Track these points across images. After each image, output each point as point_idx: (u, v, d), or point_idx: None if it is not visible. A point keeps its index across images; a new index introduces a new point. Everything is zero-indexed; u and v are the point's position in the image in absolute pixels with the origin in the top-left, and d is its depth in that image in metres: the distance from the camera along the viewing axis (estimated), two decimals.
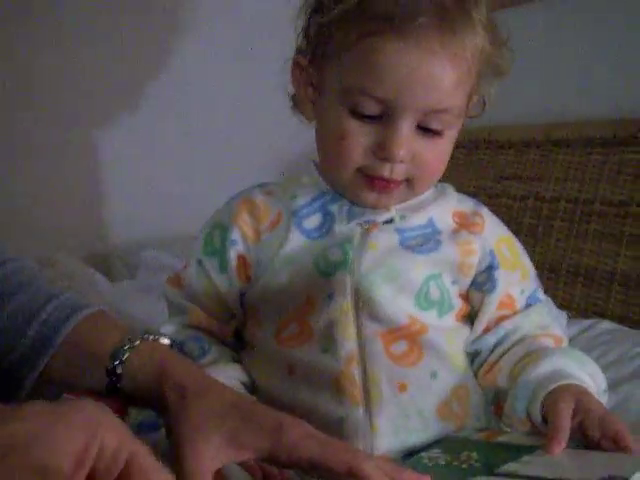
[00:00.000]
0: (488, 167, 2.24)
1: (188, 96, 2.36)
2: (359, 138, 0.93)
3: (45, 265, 1.84)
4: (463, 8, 0.90)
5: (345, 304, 0.94)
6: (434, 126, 0.93)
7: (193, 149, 2.40)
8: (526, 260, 1.07)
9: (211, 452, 0.75)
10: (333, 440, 0.77)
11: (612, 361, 1.46)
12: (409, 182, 0.96)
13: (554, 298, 1.78)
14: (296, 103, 1.04)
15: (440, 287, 0.98)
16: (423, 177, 0.97)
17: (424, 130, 0.93)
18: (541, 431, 0.89)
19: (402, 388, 0.94)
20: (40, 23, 2.10)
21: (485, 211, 1.06)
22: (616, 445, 0.82)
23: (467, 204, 1.06)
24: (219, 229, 1.03)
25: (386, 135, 0.92)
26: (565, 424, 0.84)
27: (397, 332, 0.95)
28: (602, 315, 1.81)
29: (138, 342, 0.88)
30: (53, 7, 2.12)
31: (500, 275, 1.00)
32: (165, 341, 0.92)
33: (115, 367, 0.87)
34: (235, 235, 1.01)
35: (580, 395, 0.88)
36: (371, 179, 0.95)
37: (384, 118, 0.92)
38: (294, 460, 0.75)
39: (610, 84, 2.03)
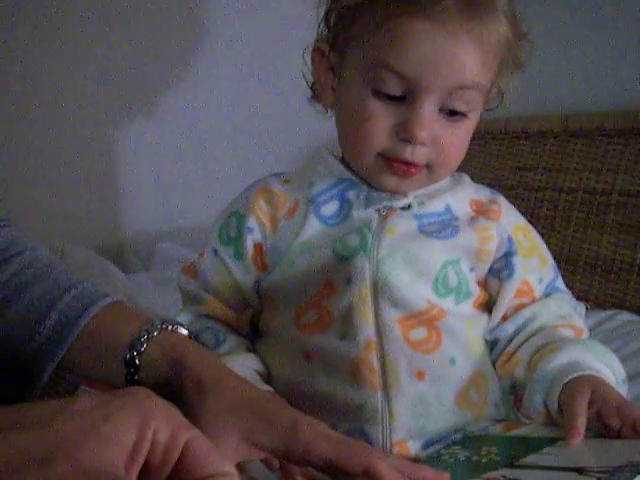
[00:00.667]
0: (505, 158, 2.22)
1: (205, 88, 2.36)
2: (382, 119, 0.93)
3: (60, 257, 1.84)
4: None
5: (364, 288, 0.93)
6: (458, 107, 0.93)
7: (209, 140, 2.41)
8: (544, 248, 1.07)
9: (228, 448, 0.75)
10: (348, 440, 0.77)
11: (631, 353, 1.45)
12: (429, 167, 0.96)
13: (572, 290, 1.76)
14: (316, 92, 1.05)
15: (458, 273, 0.97)
16: (444, 162, 0.97)
17: (447, 113, 0.93)
18: (559, 423, 0.88)
19: (420, 375, 0.93)
20: (60, 22, 2.10)
21: (502, 199, 1.05)
22: (636, 433, 0.81)
23: (484, 192, 1.05)
24: (235, 217, 1.03)
25: (408, 116, 0.92)
26: (581, 412, 0.83)
27: (416, 317, 0.94)
28: (620, 306, 1.79)
29: (156, 333, 0.88)
30: (71, 7, 2.13)
31: (518, 261, 1.00)
32: (183, 331, 0.92)
33: (133, 358, 0.86)
34: (252, 223, 1.01)
35: (596, 385, 0.87)
36: (392, 162, 0.95)
37: (407, 99, 0.92)
38: (309, 459, 0.74)
39: (628, 74, 2.01)
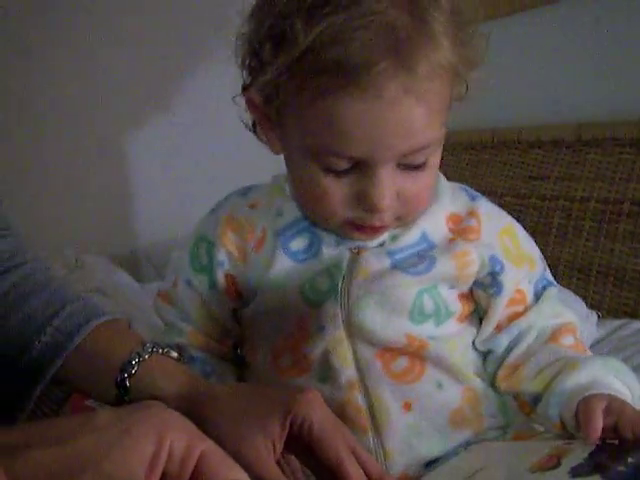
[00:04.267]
0: (518, 167, 2.22)
1: (219, 97, 2.36)
2: (339, 193, 0.87)
3: (74, 267, 1.85)
4: (421, 24, 0.80)
5: (338, 333, 0.91)
6: (415, 162, 0.86)
7: (225, 150, 2.40)
8: (530, 246, 1.02)
9: (259, 452, 0.76)
10: (340, 427, 0.78)
11: None
12: (398, 218, 0.91)
13: (584, 298, 1.77)
14: (260, 135, 0.97)
15: (434, 297, 0.94)
16: (412, 211, 0.92)
17: (405, 166, 0.86)
18: (576, 435, 0.88)
19: (407, 407, 0.91)
20: (71, 24, 2.11)
21: (481, 206, 1.00)
22: None
23: (461, 201, 1.00)
24: (205, 243, 1.00)
25: (367, 185, 0.85)
26: (597, 417, 0.82)
27: (395, 350, 0.92)
28: (633, 315, 1.79)
29: (147, 356, 0.89)
30: (79, 13, 2.14)
31: (506, 277, 0.96)
32: (174, 354, 0.92)
33: (124, 380, 0.87)
34: (222, 255, 0.98)
35: (612, 399, 0.86)
36: (359, 227, 0.90)
37: (360, 167, 0.85)
38: (303, 430, 0.76)
39: None
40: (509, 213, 1.05)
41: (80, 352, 0.91)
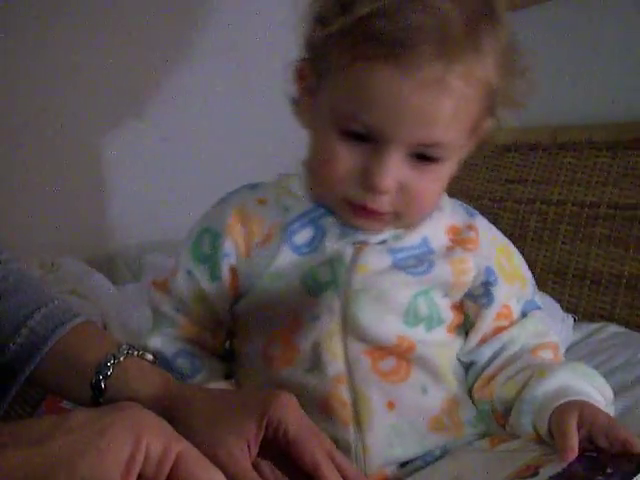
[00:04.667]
0: (494, 170, 2.23)
1: (195, 99, 2.36)
2: (345, 162, 0.88)
3: (49, 267, 1.84)
4: (473, 34, 0.83)
5: (332, 324, 0.92)
6: (428, 154, 0.88)
7: (200, 152, 2.40)
8: (524, 268, 1.05)
9: (233, 454, 0.75)
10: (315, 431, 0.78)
11: (619, 365, 1.45)
12: (397, 214, 0.92)
13: (560, 302, 1.78)
14: (295, 109, 0.99)
15: (428, 302, 0.95)
16: (412, 210, 0.92)
17: (417, 158, 0.88)
18: (549, 442, 0.88)
19: (390, 406, 0.92)
20: (45, 23, 2.10)
21: (479, 221, 1.03)
22: (626, 453, 0.81)
23: (460, 215, 1.02)
24: (209, 234, 1.00)
25: (373, 162, 0.87)
26: (572, 432, 0.82)
27: (384, 350, 0.93)
28: (609, 319, 1.80)
29: (123, 358, 0.88)
30: (58, 7, 2.12)
31: (498, 291, 0.99)
32: (149, 357, 0.92)
33: (99, 381, 0.86)
34: (228, 247, 0.98)
35: (583, 407, 0.86)
36: (356, 207, 0.91)
37: (373, 142, 0.87)
38: (279, 433, 0.75)
39: (617, 87, 2.02)
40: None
41: (55, 354, 0.90)
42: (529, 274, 1.05)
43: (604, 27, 2.06)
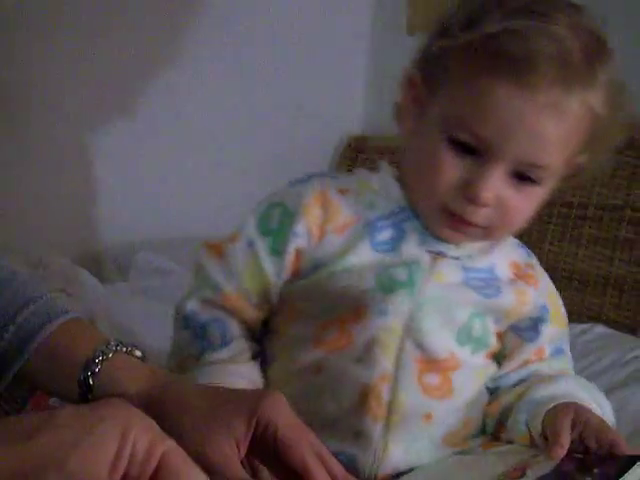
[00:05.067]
0: None
1: (184, 96, 2.36)
2: (451, 172, 0.90)
3: (37, 266, 1.84)
4: (590, 64, 0.87)
5: (396, 323, 0.93)
6: (530, 173, 0.90)
7: (189, 150, 2.40)
8: (563, 311, 1.07)
9: (224, 452, 0.75)
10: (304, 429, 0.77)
11: (606, 366, 1.46)
12: (487, 228, 0.94)
13: None
14: (399, 114, 1.00)
15: (483, 325, 0.98)
16: (504, 226, 0.94)
17: (518, 177, 0.90)
18: (540, 446, 0.90)
19: (428, 417, 0.94)
20: (40, 21, 2.09)
21: (535, 261, 1.06)
22: (612, 454, 0.82)
23: (520, 253, 1.06)
24: (281, 209, 0.98)
25: (477, 174, 0.89)
26: (564, 430, 0.85)
27: (433, 363, 0.94)
28: (597, 319, 1.81)
29: (111, 354, 0.87)
30: (54, 7, 2.12)
31: (545, 329, 1.01)
32: (137, 353, 0.91)
33: (87, 378, 0.85)
34: (300, 228, 0.96)
35: (579, 409, 0.88)
36: (452, 217, 0.92)
37: (479, 155, 0.89)
38: (268, 433, 0.75)
39: None
40: None
41: (43, 350, 0.90)
42: (566, 319, 1.08)
43: (614, 27, 2.06)
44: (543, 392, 0.94)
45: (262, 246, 0.98)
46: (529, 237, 2.02)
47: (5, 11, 2.03)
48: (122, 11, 2.24)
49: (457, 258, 0.97)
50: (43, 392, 1.05)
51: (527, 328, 1.01)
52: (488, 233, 0.95)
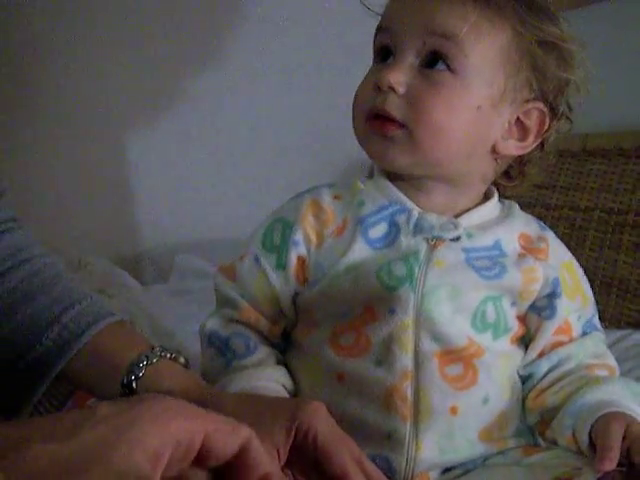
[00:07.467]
0: None
1: (223, 97, 2.37)
2: (369, 80, 0.96)
3: (77, 267, 1.86)
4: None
5: (406, 319, 0.92)
6: (437, 48, 0.92)
7: (228, 152, 2.41)
8: (586, 285, 1.05)
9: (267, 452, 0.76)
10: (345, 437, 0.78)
11: None
12: (406, 127, 0.92)
13: None
14: None
15: (497, 309, 0.96)
16: (421, 121, 0.92)
17: (428, 64, 0.92)
18: (583, 453, 0.89)
19: (453, 411, 0.93)
20: (72, 29, 2.12)
21: (550, 235, 1.04)
22: None
23: (533, 226, 1.04)
24: (281, 224, 1.01)
25: (386, 67, 0.94)
26: (616, 444, 0.83)
27: (454, 353, 0.93)
28: (636, 326, 1.79)
29: (155, 359, 0.89)
30: (85, 9, 2.14)
31: (560, 303, 0.98)
32: (181, 360, 0.92)
33: (131, 382, 0.87)
34: (298, 236, 0.98)
35: (631, 422, 0.87)
36: (370, 121, 0.95)
37: (393, 54, 0.94)
38: (308, 440, 0.75)
39: None
40: None
41: (87, 352, 0.91)
42: (591, 293, 1.05)
43: (630, 35, 2.05)
44: (590, 397, 0.91)
45: (267, 262, 1.00)
46: (568, 243, 2.01)
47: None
48: (159, 11, 2.26)
49: (457, 239, 0.96)
50: (84, 392, 1.06)
51: (544, 307, 0.99)
52: (409, 136, 0.93)
